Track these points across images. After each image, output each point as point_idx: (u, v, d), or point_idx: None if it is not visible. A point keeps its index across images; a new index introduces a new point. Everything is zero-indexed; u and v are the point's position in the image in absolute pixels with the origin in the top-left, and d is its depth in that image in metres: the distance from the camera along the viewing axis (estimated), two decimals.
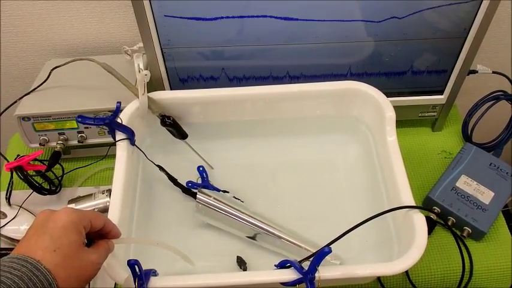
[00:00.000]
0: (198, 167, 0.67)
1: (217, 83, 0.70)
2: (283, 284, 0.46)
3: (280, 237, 0.58)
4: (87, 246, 0.42)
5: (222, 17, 0.61)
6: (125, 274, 0.46)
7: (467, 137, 0.75)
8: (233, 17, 0.61)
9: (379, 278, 0.61)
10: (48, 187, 0.68)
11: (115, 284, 0.59)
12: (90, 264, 0.40)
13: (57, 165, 0.70)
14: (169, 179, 0.64)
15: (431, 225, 0.65)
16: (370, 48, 0.66)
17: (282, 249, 0.59)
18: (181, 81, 0.70)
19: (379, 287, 0.61)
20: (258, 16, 0.61)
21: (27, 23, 0.78)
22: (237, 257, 0.58)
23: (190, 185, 0.65)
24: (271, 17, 0.61)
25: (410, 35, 0.64)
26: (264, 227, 0.59)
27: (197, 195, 0.59)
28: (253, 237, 0.59)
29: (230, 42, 0.64)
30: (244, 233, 0.60)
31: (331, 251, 0.44)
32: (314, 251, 0.56)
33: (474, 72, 0.70)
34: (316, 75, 0.69)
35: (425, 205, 0.67)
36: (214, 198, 0.60)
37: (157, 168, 0.62)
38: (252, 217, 0.59)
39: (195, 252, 0.58)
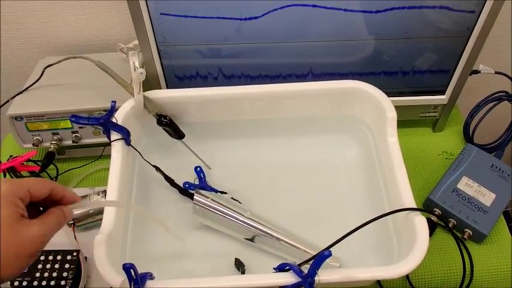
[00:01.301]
0: (195, 168, 0.66)
1: (214, 82, 0.69)
2: (282, 287, 0.45)
3: (278, 239, 0.57)
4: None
5: (220, 17, 0.60)
6: (120, 278, 0.45)
7: (468, 138, 0.74)
8: (231, 19, 0.60)
9: (378, 281, 0.60)
10: None
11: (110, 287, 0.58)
12: (31, 238, 0.36)
13: (51, 166, 0.69)
14: (165, 179, 0.62)
15: (432, 227, 0.64)
16: (371, 47, 0.65)
17: (281, 251, 0.58)
18: (177, 79, 0.69)
19: None
20: (257, 17, 0.60)
21: (19, 20, 0.77)
22: (235, 259, 0.57)
23: (187, 186, 0.64)
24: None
25: (412, 34, 0.63)
26: (263, 228, 0.58)
27: (194, 197, 0.58)
28: (251, 239, 0.58)
29: (228, 40, 0.63)
30: (243, 234, 0.59)
31: (331, 255, 0.43)
32: (313, 253, 0.56)
33: (476, 72, 0.69)
34: (316, 74, 0.68)
35: (426, 207, 0.66)
36: (211, 200, 0.58)
37: (154, 169, 0.61)
38: (250, 219, 0.58)
39: (192, 254, 0.58)
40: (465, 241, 0.64)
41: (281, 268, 0.47)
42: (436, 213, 0.64)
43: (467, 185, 0.65)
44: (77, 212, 0.62)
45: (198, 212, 0.58)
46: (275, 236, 0.57)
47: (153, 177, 0.63)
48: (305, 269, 0.45)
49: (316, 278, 0.44)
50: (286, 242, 0.57)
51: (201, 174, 0.66)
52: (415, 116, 0.75)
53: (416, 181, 0.71)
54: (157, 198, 0.64)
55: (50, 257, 0.59)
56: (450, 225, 0.63)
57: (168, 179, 0.63)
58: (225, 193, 0.64)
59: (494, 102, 0.70)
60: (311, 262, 0.45)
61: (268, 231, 0.57)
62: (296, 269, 0.45)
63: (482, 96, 0.71)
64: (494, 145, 0.73)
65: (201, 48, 0.65)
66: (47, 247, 0.60)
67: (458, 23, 0.61)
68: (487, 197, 0.64)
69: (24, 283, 0.57)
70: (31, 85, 0.69)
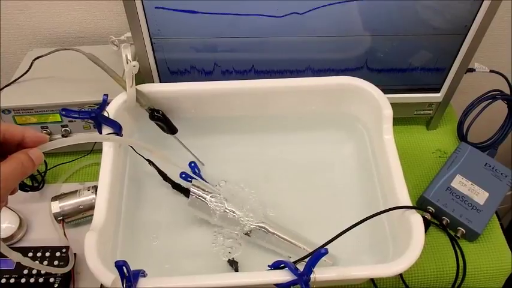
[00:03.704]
0: (190, 163, 0.65)
1: (209, 76, 0.68)
2: (277, 285, 0.45)
3: (274, 234, 0.57)
4: None
5: (217, 13, 0.59)
6: (112, 275, 0.44)
7: (462, 136, 0.74)
8: (227, 14, 0.59)
9: (372, 279, 0.60)
10: (30, 183, 0.66)
11: (101, 285, 0.57)
12: None
13: None
14: (159, 173, 0.61)
15: (425, 225, 0.63)
16: (367, 43, 0.64)
17: (275, 246, 0.57)
18: (171, 73, 0.67)
19: (372, 287, 0.60)
20: (252, 15, 0.59)
21: (7, 10, 0.75)
22: (228, 259, 0.57)
23: (184, 176, 0.63)
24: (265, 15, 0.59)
25: (409, 31, 0.63)
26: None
27: (191, 188, 0.58)
28: (247, 233, 0.58)
29: (223, 34, 0.62)
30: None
31: (327, 252, 0.42)
32: (308, 249, 0.55)
33: (471, 70, 0.69)
34: (312, 70, 0.68)
35: (420, 205, 0.66)
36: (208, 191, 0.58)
37: (146, 164, 0.60)
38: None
39: (185, 251, 0.57)
40: (458, 239, 0.64)
41: (276, 266, 0.46)
42: (430, 211, 0.64)
43: (461, 184, 0.65)
44: (65, 204, 0.61)
45: (194, 204, 0.58)
46: (270, 231, 0.57)
47: (145, 173, 0.62)
48: (300, 266, 0.44)
49: (312, 276, 0.43)
50: (281, 237, 0.57)
51: (196, 170, 0.65)
52: (409, 114, 0.75)
53: (410, 179, 0.70)
54: (150, 193, 0.63)
55: (39, 254, 0.58)
56: (443, 223, 0.64)
57: (161, 173, 0.62)
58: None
59: (488, 101, 0.70)
60: (307, 260, 0.44)
61: (264, 226, 0.57)
62: (291, 266, 0.44)
63: (477, 94, 0.71)
64: (487, 144, 0.73)
65: (196, 42, 0.63)
66: (36, 243, 0.59)
67: (456, 20, 0.61)
68: (480, 196, 0.64)
69: (12, 280, 0.56)
70: (19, 77, 0.67)
